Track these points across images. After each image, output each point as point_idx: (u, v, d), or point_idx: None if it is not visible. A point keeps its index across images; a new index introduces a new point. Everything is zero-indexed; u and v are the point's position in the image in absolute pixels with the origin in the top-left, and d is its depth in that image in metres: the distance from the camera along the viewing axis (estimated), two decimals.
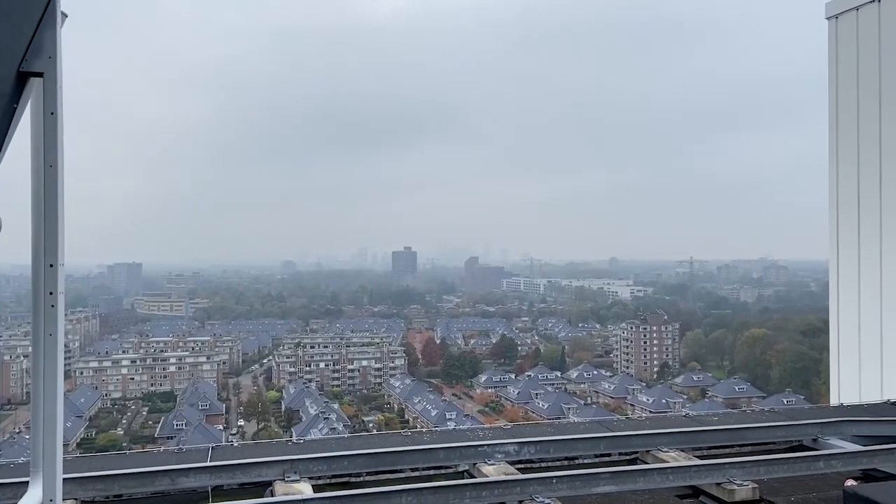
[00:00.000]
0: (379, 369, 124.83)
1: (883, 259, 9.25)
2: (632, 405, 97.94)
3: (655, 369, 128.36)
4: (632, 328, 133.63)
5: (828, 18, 10.01)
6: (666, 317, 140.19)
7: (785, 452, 6.45)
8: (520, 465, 6.32)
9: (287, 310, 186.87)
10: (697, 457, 6.46)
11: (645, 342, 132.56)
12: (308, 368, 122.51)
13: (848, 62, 9.73)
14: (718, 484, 5.58)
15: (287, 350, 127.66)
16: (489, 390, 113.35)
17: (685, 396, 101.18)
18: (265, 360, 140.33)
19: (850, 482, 5.66)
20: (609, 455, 6.69)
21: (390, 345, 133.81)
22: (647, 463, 6.26)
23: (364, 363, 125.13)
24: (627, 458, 6.67)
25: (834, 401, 9.73)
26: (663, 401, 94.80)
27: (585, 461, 6.59)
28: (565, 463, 6.52)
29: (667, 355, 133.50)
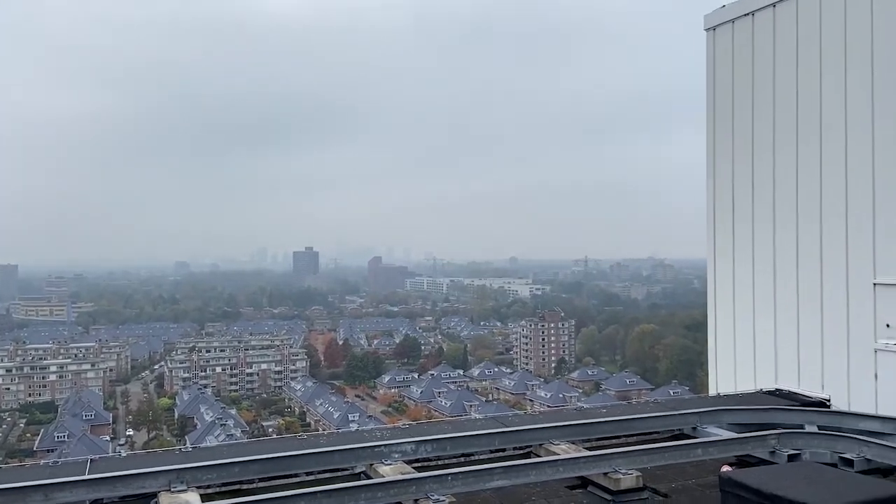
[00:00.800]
0: (279, 372, 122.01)
1: (755, 260, 9.91)
2: (531, 400, 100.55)
3: (553, 365, 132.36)
4: (531, 326, 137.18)
5: (706, 30, 10.65)
6: (563, 314, 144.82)
7: (667, 441, 6.77)
8: (417, 464, 6.34)
9: (180, 313, 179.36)
10: (587, 448, 6.68)
11: (543, 339, 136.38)
12: (203, 373, 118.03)
13: (724, 73, 10.38)
14: (606, 474, 5.80)
15: (180, 355, 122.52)
16: (392, 390, 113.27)
17: (580, 390, 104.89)
18: (156, 366, 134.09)
19: (725, 468, 6.02)
20: (504, 450, 6.82)
21: (291, 347, 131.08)
22: (539, 456, 6.43)
23: (263, 366, 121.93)
24: (522, 452, 6.83)
25: (713, 391, 10.35)
26: (560, 395, 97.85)
27: (481, 457, 6.70)
28: (462, 460, 6.60)
29: (564, 351, 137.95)
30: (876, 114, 8.29)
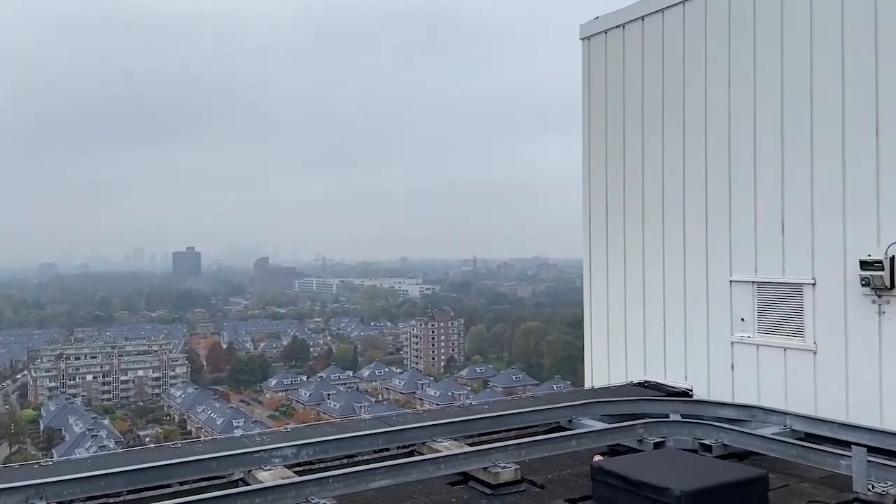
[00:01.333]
0: (157, 379, 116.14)
1: (626, 260, 10.47)
2: (420, 399, 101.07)
3: (443, 364, 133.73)
4: (421, 325, 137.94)
5: (581, 39, 11.15)
6: (452, 313, 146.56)
7: (544, 434, 7.01)
8: (298, 468, 6.24)
9: (46, 318, 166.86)
10: (469, 444, 6.82)
11: (433, 338, 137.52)
12: (73, 382, 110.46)
13: (598, 80, 10.90)
14: (486, 468, 5.94)
15: (46, 363, 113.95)
16: (280, 394, 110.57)
17: (469, 388, 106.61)
18: (19, 376, 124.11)
19: (597, 457, 6.30)
20: (388, 450, 6.84)
21: (170, 352, 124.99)
22: (422, 454, 6.49)
23: (140, 373, 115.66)
24: (405, 451, 6.88)
25: (588, 385, 10.84)
26: (449, 393, 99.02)
27: (365, 458, 6.68)
28: (345, 462, 6.55)
29: (453, 350, 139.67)
30: (732, 120, 8.97)
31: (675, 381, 9.63)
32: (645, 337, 10.17)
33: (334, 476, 5.37)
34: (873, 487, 5.36)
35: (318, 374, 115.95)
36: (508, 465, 5.96)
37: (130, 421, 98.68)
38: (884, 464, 5.67)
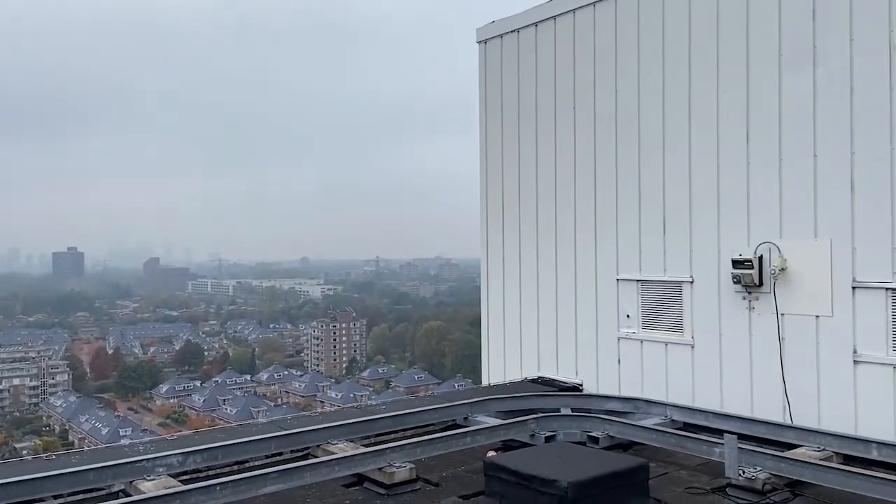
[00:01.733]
0: (36, 387, 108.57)
1: (521, 259, 10.74)
2: (322, 402, 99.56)
3: (345, 365, 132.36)
4: (322, 326, 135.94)
5: (478, 43, 11.34)
6: (354, 314, 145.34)
7: (441, 433, 7.08)
8: (185, 477, 6.01)
9: None
10: (365, 445, 6.79)
11: (335, 339, 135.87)
12: None
13: (494, 84, 11.11)
14: (381, 469, 5.93)
15: None
16: (172, 400, 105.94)
17: (371, 389, 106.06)
18: None
19: (491, 453, 6.42)
20: (282, 454, 6.70)
21: (50, 358, 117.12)
22: (317, 457, 6.40)
23: (16, 382, 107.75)
24: (300, 454, 6.76)
25: (485, 382, 11.04)
26: (351, 395, 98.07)
27: (257, 463, 6.52)
28: (235, 468, 6.36)
29: (355, 350, 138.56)
30: (619, 127, 9.37)
31: (566, 376, 9.96)
32: (539, 334, 10.46)
33: (222, 483, 5.20)
34: (744, 473, 5.74)
35: (214, 379, 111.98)
36: (404, 465, 5.98)
37: (5, 433, 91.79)
38: (753, 450, 6.08)
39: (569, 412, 7.81)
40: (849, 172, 7.19)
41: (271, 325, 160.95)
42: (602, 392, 9.29)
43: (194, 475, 6.11)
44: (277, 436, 6.71)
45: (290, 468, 5.58)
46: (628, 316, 9.30)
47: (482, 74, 11.23)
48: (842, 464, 6.13)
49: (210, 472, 6.24)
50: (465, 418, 7.84)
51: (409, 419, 7.55)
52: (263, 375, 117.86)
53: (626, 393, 9.04)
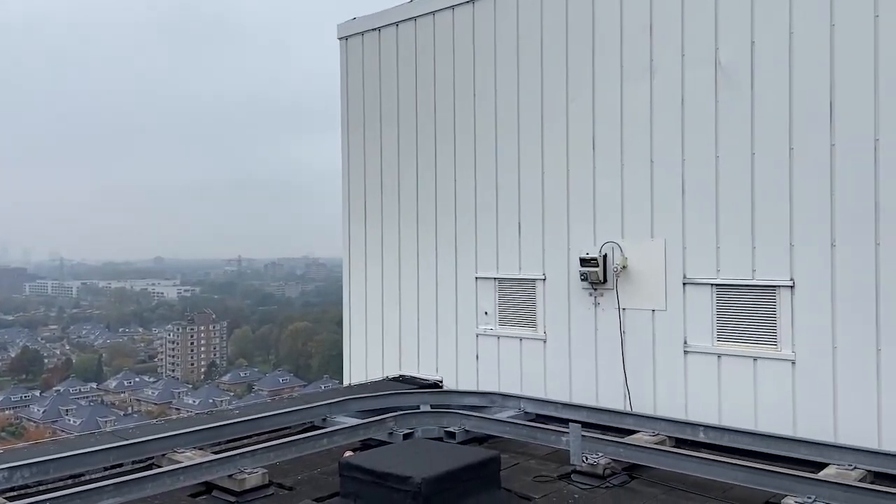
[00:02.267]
0: None
1: (384, 257, 10.76)
2: (177, 409, 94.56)
3: (203, 369, 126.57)
4: (178, 329, 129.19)
5: (339, 39, 11.23)
6: (214, 316, 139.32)
7: (297, 435, 6.93)
8: (11, 494, 5.50)
9: None
10: (216, 452, 6.52)
11: (192, 343, 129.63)
12: None
13: (356, 82, 11.05)
14: (231, 476, 5.72)
15: None
16: (6, 412, 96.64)
17: (232, 393, 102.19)
18: None
19: (348, 453, 6.38)
20: (122, 465, 6.30)
21: None
22: (161, 467, 6.06)
23: None
24: (143, 465, 6.39)
25: (346, 382, 10.96)
26: (210, 400, 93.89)
27: (94, 476, 6.08)
28: (69, 482, 5.90)
29: (215, 354, 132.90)
30: (477, 129, 9.61)
31: (427, 373, 10.09)
32: (401, 333, 10.52)
33: (52, 499, 4.80)
34: (587, 459, 6.07)
35: (55, 388, 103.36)
36: (255, 470, 5.80)
37: None
38: (596, 437, 6.44)
39: (428, 409, 7.92)
40: (680, 178, 7.80)
41: (121, 329, 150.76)
42: (461, 388, 9.49)
43: (22, 492, 5.61)
44: (117, 446, 6.30)
45: (129, 480, 5.25)
46: (486, 313, 9.57)
47: (344, 72, 11.13)
48: (673, 447, 6.64)
49: (40, 488, 5.75)
50: (324, 419, 7.73)
51: (263, 423, 7.33)
52: (112, 383, 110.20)
53: (483, 388, 9.29)
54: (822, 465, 5.88)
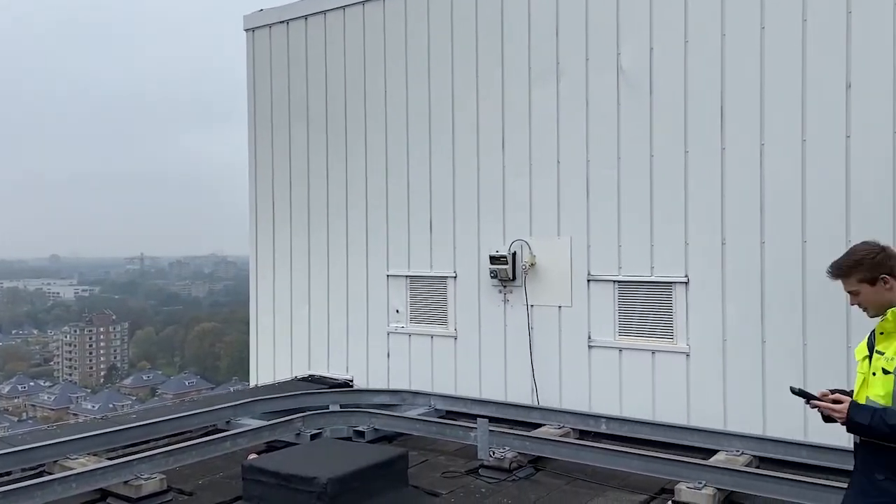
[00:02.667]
0: None
1: (293, 255, 10.56)
2: (75, 414, 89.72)
3: (103, 373, 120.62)
4: (76, 331, 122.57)
5: (245, 31, 10.94)
6: (115, 317, 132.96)
7: (199, 438, 6.71)
8: None
9: None
10: (111, 458, 6.23)
11: (91, 345, 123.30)
12: None
13: (263, 76, 10.80)
14: (127, 482, 5.49)
15: None
16: None
17: (134, 397, 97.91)
18: None
19: (252, 456, 6.22)
20: (10, 473, 5.93)
21: None
22: (52, 474, 5.75)
23: None
24: (32, 472, 6.04)
25: (253, 383, 10.71)
26: (111, 405, 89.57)
27: None
28: None
29: (115, 357, 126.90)
30: (388, 128, 9.59)
31: (337, 373, 9.99)
32: (310, 332, 10.37)
33: None
34: (494, 453, 6.18)
35: None
36: (153, 476, 5.59)
37: None
38: (503, 432, 6.57)
39: (337, 409, 7.85)
40: (585, 178, 8.04)
41: (14, 331, 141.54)
42: (371, 387, 9.45)
43: None
44: (4, 453, 5.93)
45: (16, 488, 4.96)
46: (398, 311, 9.56)
47: (250, 65, 10.85)
48: (577, 439, 6.85)
49: None
50: (228, 422, 7.52)
51: (162, 427, 7.07)
52: (5, 388, 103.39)
53: (395, 386, 9.28)
54: (713, 452, 6.21)
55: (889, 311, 3.15)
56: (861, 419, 3.07)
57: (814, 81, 6.71)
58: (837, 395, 3.24)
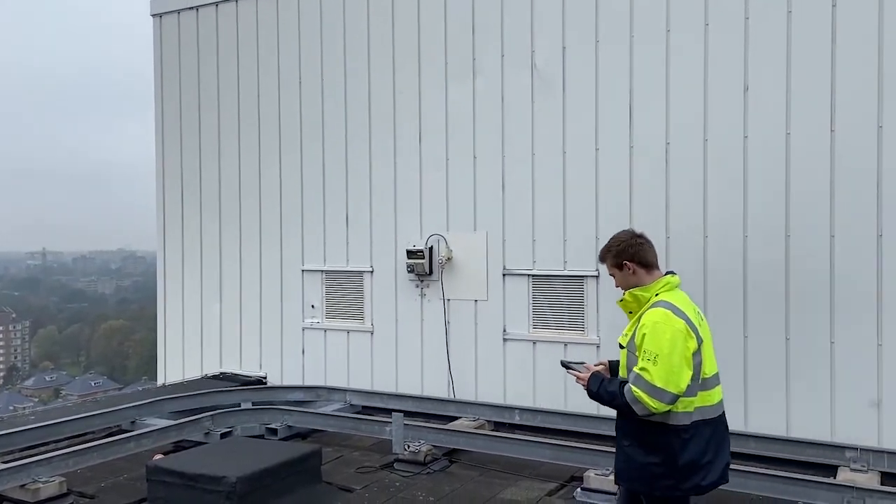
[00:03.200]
0: None
1: (203, 249, 10.24)
2: None
3: (2, 374, 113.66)
4: None
5: (153, 16, 10.50)
6: (14, 315, 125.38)
7: (102, 439, 6.43)
8: None
9: None
10: (8, 461, 5.88)
11: None
12: None
13: (171, 64, 10.40)
14: (24, 485, 5.21)
15: None
16: None
17: (36, 399, 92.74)
18: None
19: (158, 457, 6.01)
20: None
21: None
22: None
23: None
24: None
25: (160, 381, 10.33)
26: (10, 407, 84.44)
27: None
28: None
29: (15, 357, 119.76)
30: (303, 119, 9.43)
31: (250, 370, 9.77)
32: (221, 328, 10.09)
33: None
34: (409, 447, 6.19)
35: None
36: (52, 479, 5.33)
37: None
38: (419, 425, 6.59)
39: (249, 406, 7.67)
40: (500, 173, 8.15)
41: None
42: (286, 384, 9.29)
43: None
44: None
45: None
46: (313, 306, 9.43)
47: (157, 52, 10.43)
48: (492, 430, 6.95)
49: None
50: (133, 422, 7.23)
51: (63, 428, 6.74)
52: None
53: (310, 382, 9.16)
54: None
55: (626, 292, 3.47)
56: (591, 387, 3.42)
57: (715, 83, 7.03)
58: (589, 365, 3.59)
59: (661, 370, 3.11)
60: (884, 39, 6.33)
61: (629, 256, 3.42)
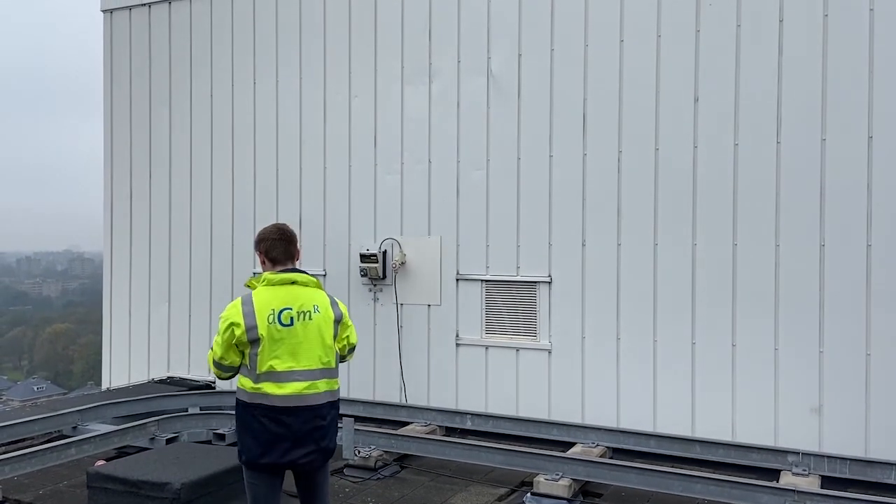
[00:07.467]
0: None
1: (151, 251, 10.00)
2: None
3: None
4: None
5: (103, 12, 10.24)
6: None
7: (40, 445, 6.21)
8: None
9: None
10: None
11: None
12: None
13: (122, 61, 10.15)
14: None
15: None
16: None
17: None
18: None
19: (100, 463, 5.84)
20: None
21: None
22: None
23: None
24: None
25: (105, 386, 10.03)
26: None
27: None
28: None
29: None
30: (257, 120, 9.30)
31: (199, 374, 9.55)
32: (170, 332, 9.86)
33: None
34: (359, 452, 6.14)
35: None
36: None
37: None
38: (369, 430, 6.54)
39: (197, 411, 7.51)
40: (455, 178, 8.17)
41: None
42: (235, 389, 9.10)
43: None
44: None
45: None
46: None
47: (107, 48, 10.18)
48: (444, 435, 6.94)
49: None
50: (75, 428, 7.01)
51: (0, 434, 6.47)
52: None
53: None
54: (571, 444, 6.49)
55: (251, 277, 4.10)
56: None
57: (666, 93, 7.17)
58: None
59: (215, 344, 3.65)
60: (828, 55, 6.54)
61: (258, 248, 3.87)
